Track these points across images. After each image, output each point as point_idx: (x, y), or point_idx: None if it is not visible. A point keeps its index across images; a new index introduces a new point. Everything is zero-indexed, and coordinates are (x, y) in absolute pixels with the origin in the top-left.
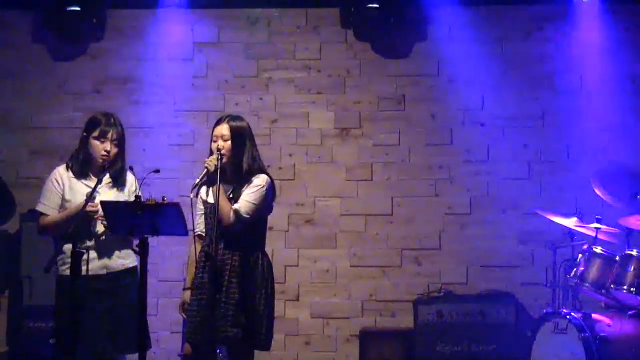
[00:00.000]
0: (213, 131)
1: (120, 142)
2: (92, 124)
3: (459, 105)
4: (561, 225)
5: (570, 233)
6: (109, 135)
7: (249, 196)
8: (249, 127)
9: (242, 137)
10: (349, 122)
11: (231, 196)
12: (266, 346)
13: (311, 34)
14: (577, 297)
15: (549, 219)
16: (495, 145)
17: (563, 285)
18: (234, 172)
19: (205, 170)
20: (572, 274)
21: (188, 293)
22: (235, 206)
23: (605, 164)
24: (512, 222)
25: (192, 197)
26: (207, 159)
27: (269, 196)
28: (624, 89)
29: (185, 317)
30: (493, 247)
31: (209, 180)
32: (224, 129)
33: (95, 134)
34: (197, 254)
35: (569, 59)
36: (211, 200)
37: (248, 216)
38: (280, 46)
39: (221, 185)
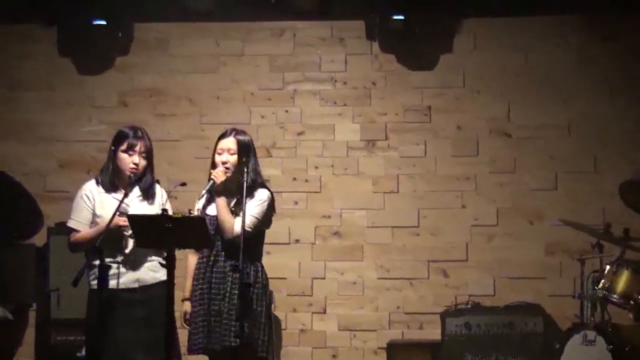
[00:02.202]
0: (217, 144)
1: (149, 155)
2: (119, 137)
3: (485, 116)
4: (588, 236)
5: (598, 244)
6: (137, 148)
7: (252, 210)
8: (252, 141)
9: (247, 151)
10: (375, 134)
11: (233, 209)
12: (265, 355)
13: (336, 45)
14: (605, 308)
15: (576, 230)
16: (521, 156)
17: (591, 296)
18: (236, 185)
19: (211, 182)
20: (600, 285)
21: (188, 304)
22: (243, 218)
23: (632, 174)
24: (539, 233)
25: (197, 208)
26: (213, 171)
27: (270, 211)
28: None
29: (187, 327)
30: (520, 258)
31: (215, 192)
32: (230, 142)
33: (123, 147)
34: (189, 263)
35: (594, 69)
36: (211, 212)
37: (250, 230)
38: (306, 58)
39: (224, 198)
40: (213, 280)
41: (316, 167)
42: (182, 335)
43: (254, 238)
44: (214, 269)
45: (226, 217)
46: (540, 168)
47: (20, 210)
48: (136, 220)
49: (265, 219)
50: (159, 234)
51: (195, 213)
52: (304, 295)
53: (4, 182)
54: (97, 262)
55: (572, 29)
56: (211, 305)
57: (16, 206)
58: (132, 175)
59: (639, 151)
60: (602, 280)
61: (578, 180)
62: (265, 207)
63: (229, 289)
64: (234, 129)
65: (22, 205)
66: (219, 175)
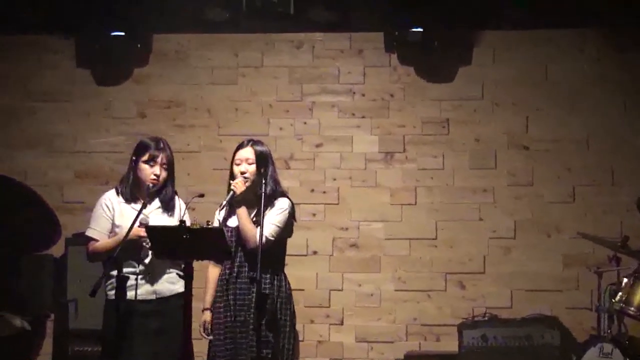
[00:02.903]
0: (235, 154)
1: (170, 167)
2: (141, 148)
3: (503, 129)
4: (606, 248)
5: (615, 257)
6: (159, 160)
7: (274, 218)
8: (270, 151)
9: (265, 161)
10: (393, 146)
11: (254, 219)
12: None
13: (355, 57)
14: (622, 321)
15: (594, 243)
16: (539, 169)
17: (608, 309)
18: (256, 195)
19: (232, 193)
20: (617, 298)
21: (208, 314)
22: (264, 229)
23: None
24: (557, 246)
25: (218, 219)
26: (232, 182)
27: (291, 219)
28: None
29: (206, 337)
30: (537, 270)
31: (235, 203)
32: (248, 152)
33: (144, 157)
34: (210, 274)
35: (612, 81)
36: (232, 224)
37: (273, 238)
38: (324, 70)
39: (245, 209)
40: (237, 292)
41: (334, 179)
42: (198, 345)
43: (276, 247)
44: (238, 280)
45: (249, 226)
46: (557, 181)
47: (38, 221)
48: (154, 231)
49: (287, 228)
50: (176, 246)
51: (216, 224)
52: (322, 307)
53: (21, 192)
54: (114, 273)
55: (590, 42)
56: (236, 317)
57: (33, 217)
58: (151, 186)
59: None
60: (619, 293)
61: (595, 193)
62: (286, 216)
63: (254, 299)
64: (251, 139)
65: (39, 216)
66: (239, 186)
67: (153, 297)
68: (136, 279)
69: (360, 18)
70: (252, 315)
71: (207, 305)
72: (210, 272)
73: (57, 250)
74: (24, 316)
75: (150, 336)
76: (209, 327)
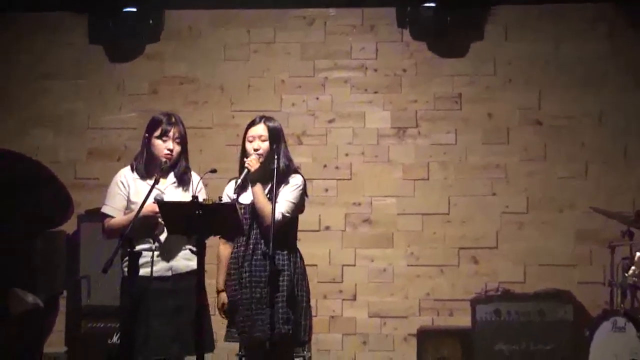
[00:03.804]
0: (247, 131)
1: (183, 141)
2: (153, 124)
3: (516, 104)
4: (619, 223)
5: (628, 231)
6: (171, 134)
7: (289, 195)
8: (282, 127)
9: (278, 137)
10: (405, 122)
11: (268, 196)
12: (307, 340)
13: (367, 33)
14: (635, 295)
15: (606, 218)
16: (551, 144)
17: (621, 283)
18: (269, 172)
19: (246, 170)
20: (630, 272)
21: (224, 295)
22: (278, 207)
23: None
24: (569, 221)
25: (235, 198)
26: (247, 160)
27: (303, 196)
28: None
29: (225, 317)
30: (550, 245)
31: (249, 181)
32: (260, 129)
33: (157, 133)
34: (221, 253)
35: (625, 57)
36: (244, 200)
37: (289, 215)
38: (336, 46)
39: (260, 185)
40: (253, 269)
41: (346, 155)
42: (215, 323)
43: (290, 223)
44: (254, 257)
45: (265, 204)
46: (570, 157)
47: (50, 198)
48: (166, 207)
49: (300, 204)
50: (189, 221)
51: (225, 199)
52: (335, 282)
53: (33, 169)
54: (134, 250)
55: (602, 17)
56: (253, 294)
57: (46, 194)
58: (165, 161)
59: None
60: (632, 268)
61: (608, 169)
62: (300, 192)
63: (266, 275)
64: (263, 116)
65: (51, 193)
66: (253, 163)
67: (169, 273)
68: (152, 256)
69: None
70: (265, 292)
71: (221, 287)
72: (221, 251)
73: (69, 226)
74: (37, 293)
75: (167, 313)
76: (227, 308)
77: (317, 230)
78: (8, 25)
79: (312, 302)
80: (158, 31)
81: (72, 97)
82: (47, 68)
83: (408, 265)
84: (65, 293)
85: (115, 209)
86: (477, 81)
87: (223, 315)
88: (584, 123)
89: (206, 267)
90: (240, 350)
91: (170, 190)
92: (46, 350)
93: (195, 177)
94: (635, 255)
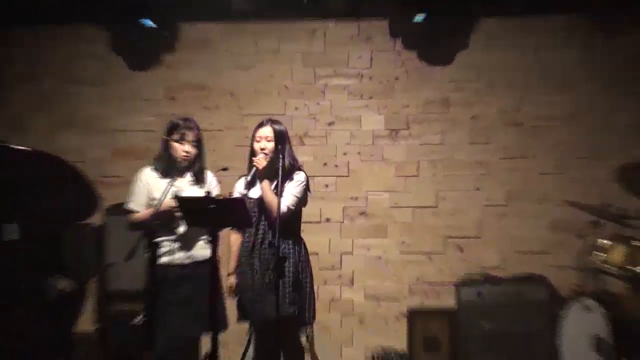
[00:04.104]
0: (255, 132)
1: (199, 144)
2: (172, 127)
3: (498, 108)
4: (589, 215)
5: (597, 222)
6: (188, 137)
7: (293, 190)
8: (287, 129)
9: (283, 138)
10: (398, 124)
11: (274, 191)
12: (312, 321)
13: (363, 43)
14: (602, 279)
15: (578, 209)
16: (530, 143)
17: (590, 268)
18: (275, 169)
19: (255, 168)
20: (598, 258)
21: (233, 278)
22: (283, 201)
23: (628, 160)
24: (544, 212)
25: (245, 193)
26: (255, 159)
27: (306, 191)
28: None
29: (234, 297)
30: (527, 234)
31: (258, 178)
32: (267, 131)
33: (175, 136)
34: (232, 242)
35: (597, 64)
36: (253, 195)
37: (293, 208)
38: (335, 55)
39: (267, 182)
40: (262, 257)
41: (344, 154)
42: (228, 306)
43: (295, 215)
44: (262, 246)
45: (272, 198)
46: (547, 154)
47: (77, 194)
48: (183, 202)
49: (303, 198)
50: (204, 214)
51: (235, 195)
52: (334, 269)
53: (62, 168)
54: (155, 240)
55: (577, 28)
56: (263, 278)
57: (74, 190)
58: (182, 161)
59: (636, 139)
60: (600, 254)
61: (581, 166)
62: (303, 187)
63: (273, 262)
64: (269, 119)
65: (79, 189)
66: (261, 162)
67: (188, 261)
68: (172, 246)
69: (368, 7)
70: (271, 277)
71: (232, 270)
72: (232, 240)
73: (96, 219)
74: (69, 279)
75: (186, 297)
76: (235, 289)
77: (319, 222)
78: (39, 37)
79: (314, 287)
80: (173, 42)
81: (97, 102)
82: (74, 76)
83: (400, 253)
84: (94, 279)
85: (138, 205)
86: (463, 87)
87: (232, 296)
88: (560, 124)
89: (219, 255)
90: (250, 329)
91: (187, 187)
92: (78, 329)
93: (210, 176)
94: (603, 243)
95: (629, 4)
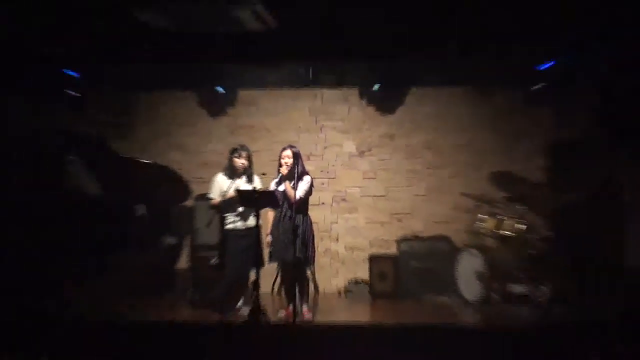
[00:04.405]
0: (281, 153)
1: (249, 159)
2: (234, 149)
3: (421, 139)
4: (475, 201)
5: (480, 205)
6: (243, 155)
7: (303, 186)
8: (300, 150)
9: (297, 156)
10: (364, 148)
11: (293, 187)
12: (311, 263)
13: (344, 102)
14: (481, 238)
15: (470, 198)
16: (441, 159)
17: (474, 231)
18: (293, 175)
19: (280, 175)
20: (479, 225)
21: (268, 237)
22: (296, 192)
23: (494, 170)
24: (450, 200)
25: (276, 188)
26: (280, 168)
27: (311, 187)
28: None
29: (269, 248)
30: (439, 212)
31: (283, 179)
32: (288, 152)
33: (236, 155)
34: (270, 215)
35: (479, 115)
36: (280, 189)
37: (302, 197)
38: (328, 109)
39: (288, 182)
40: (285, 225)
41: (333, 165)
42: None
43: (304, 201)
44: (285, 218)
45: (291, 191)
46: (451, 166)
47: (180, 187)
48: (240, 193)
49: (309, 191)
50: (252, 200)
51: (272, 188)
52: (326, 232)
53: (172, 173)
54: (224, 215)
55: (469, 94)
56: (285, 237)
57: (177, 186)
58: (240, 170)
59: (497, 159)
60: (480, 224)
61: (470, 172)
62: (309, 185)
63: (291, 228)
64: (290, 145)
65: (180, 186)
66: (284, 170)
67: (243, 227)
68: (234, 218)
69: (347, 81)
70: (291, 236)
71: (268, 232)
72: (268, 215)
73: (190, 203)
74: (174, 237)
75: (243, 247)
76: (269, 243)
77: (317, 205)
78: (160, 97)
79: (315, 243)
80: (233, 101)
81: (191, 135)
82: (177, 120)
83: (365, 223)
84: (189, 237)
85: (214, 195)
86: (401, 127)
87: (268, 247)
88: (458, 149)
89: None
90: (277, 266)
91: (242, 184)
92: (178, 266)
93: (255, 178)
94: (482, 217)
95: (502, 80)
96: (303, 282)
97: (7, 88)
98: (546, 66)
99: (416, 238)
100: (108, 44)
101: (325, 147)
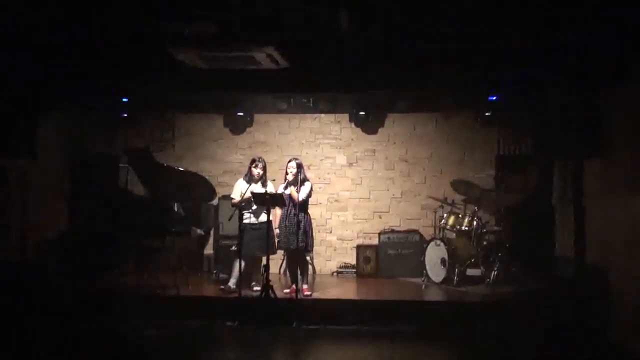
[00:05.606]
0: (288, 164)
1: (264, 169)
2: (252, 161)
3: (398, 153)
4: (440, 202)
5: (443, 206)
6: (259, 165)
7: (305, 190)
8: (302, 162)
9: (300, 167)
10: (352, 160)
11: (296, 190)
12: (310, 250)
13: (336, 123)
14: (444, 232)
15: (435, 200)
16: (413, 169)
17: (440, 227)
18: (297, 181)
19: (287, 181)
20: (443, 222)
21: (277, 230)
22: (299, 195)
23: (455, 178)
24: (419, 202)
25: (283, 192)
26: (286, 176)
27: (311, 191)
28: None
29: (278, 239)
30: (411, 210)
31: (289, 185)
32: (293, 164)
33: (253, 165)
34: (277, 212)
35: (444, 134)
36: (286, 192)
37: (304, 199)
38: (324, 129)
39: (293, 187)
40: (290, 220)
41: (328, 174)
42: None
43: (305, 202)
44: (289, 216)
45: (295, 194)
46: (420, 174)
47: (206, 190)
48: (255, 195)
49: (309, 194)
50: (264, 200)
51: (280, 191)
52: (323, 225)
53: (201, 179)
54: (243, 212)
55: (434, 117)
56: (290, 230)
57: (205, 188)
58: (257, 177)
59: (459, 169)
60: (444, 221)
61: (435, 179)
62: (309, 189)
63: (295, 222)
64: (294, 157)
65: (207, 188)
66: (290, 178)
67: (257, 222)
68: (250, 215)
69: (339, 107)
70: (295, 229)
71: (276, 226)
72: (277, 212)
73: (215, 202)
74: (202, 229)
75: (256, 238)
76: (278, 234)
77: (316, 204)
78: (190, 118)
79: (314, 234)
80: (251, 122)
81: (217, 149)
82: (206, 137)
83: (353, 219)
84: (213, 229)
85: (236, 196)
86: (382, 143)
87: (276, 238)
88: (425, 161)
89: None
90: (284, 253)
91: (258, 188)
92: (205, 252)
93: (268, 183)
94: (445, 215)
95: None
96: (304, 265)
97: (80, 112)
98: (493, 98)
99: (393, 231)
100: (156, 78)
101: (321, 159)
